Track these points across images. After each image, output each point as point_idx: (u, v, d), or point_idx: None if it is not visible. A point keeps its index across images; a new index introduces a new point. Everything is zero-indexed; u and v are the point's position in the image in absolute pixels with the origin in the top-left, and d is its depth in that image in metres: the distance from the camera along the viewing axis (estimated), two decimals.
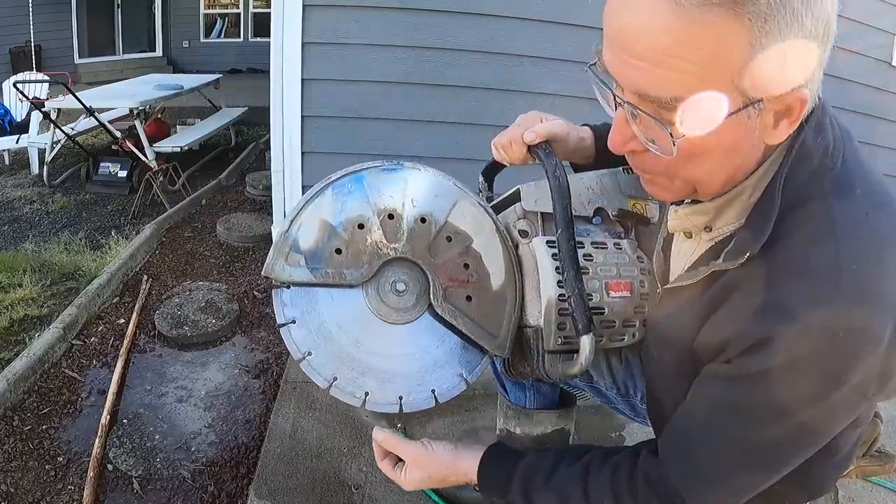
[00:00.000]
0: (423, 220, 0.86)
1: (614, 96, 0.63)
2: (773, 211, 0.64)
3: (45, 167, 4.32)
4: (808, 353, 0.60)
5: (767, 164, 0.66)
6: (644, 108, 0.60)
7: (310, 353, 0.84)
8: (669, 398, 0.79)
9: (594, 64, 0.64)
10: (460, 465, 0.88)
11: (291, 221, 0.84)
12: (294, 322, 0.84)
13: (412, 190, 0.87)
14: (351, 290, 0.86)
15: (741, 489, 0.72)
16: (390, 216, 0.85)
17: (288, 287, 0.84)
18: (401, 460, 0.92)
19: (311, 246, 0.83)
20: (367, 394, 0.87)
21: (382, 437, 0.90)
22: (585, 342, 0.78)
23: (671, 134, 0.59)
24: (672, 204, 0.79)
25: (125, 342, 2.27)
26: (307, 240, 0.83)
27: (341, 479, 1.56)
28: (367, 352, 0.87)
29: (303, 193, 2.66)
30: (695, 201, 0.74)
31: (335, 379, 0.85)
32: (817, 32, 0.55)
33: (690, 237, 0.78)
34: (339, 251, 0.84)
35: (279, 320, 0.84)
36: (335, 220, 0.84)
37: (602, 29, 0.61)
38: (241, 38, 10.14)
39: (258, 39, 9.67)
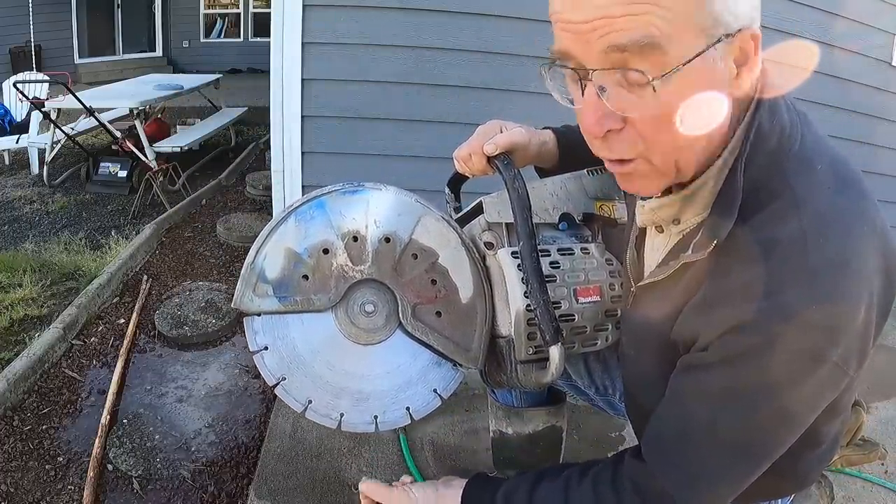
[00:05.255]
0: (387, 239, 0.86)
1: (581, 79, 0.62)
2: (736, 196, 0.65)
3: (45, 167, 4.32)
4: (785, 330, 0.60)
5: (727, 152, 0.66)
6: (617, 67, 0.59)
7: (283, 379, 0.86)
8: (651, 397, 0.78)
9: (552, 65, 0.65)
10: (443, 502, 0.86)
11: (256, 252, 0.84)
12: (266, 349, 0.85)
13: (374, 210, 0.87)
14: (321, 314, 0.86)
15: (733, 482, 0.71)
16: (354, 238, 0.86)
17: (259, 314, 0.85)
18: None
19: (277, 275, 0.84)
20: (342, 415, 0.88)
21: (366, 487, 0.89)
22: (554, 353, 0.79)
23: (650, 80, 0.58)
24: (639, 199, 0.78)
25: (125, 342, 2.27)
26: (273, 269, 0.84)
27: (341, 479, 1.56)
28: (340, 374, 0.87)
29: (303, 193, 2.66)
30: (664, 192, 0.73)
31: (310, 402, 0.86)
32: None
33: (662, 231, 0.78)
34: (305, 277, 0.85)
35: (251, 348, 0.85)
36: (300, 247, 0.84)
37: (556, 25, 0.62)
38: (241, 38, 10.15)
39: (258, 39, 9.68)
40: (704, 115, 0.61)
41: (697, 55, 0.57)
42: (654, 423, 0.77)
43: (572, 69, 0.63)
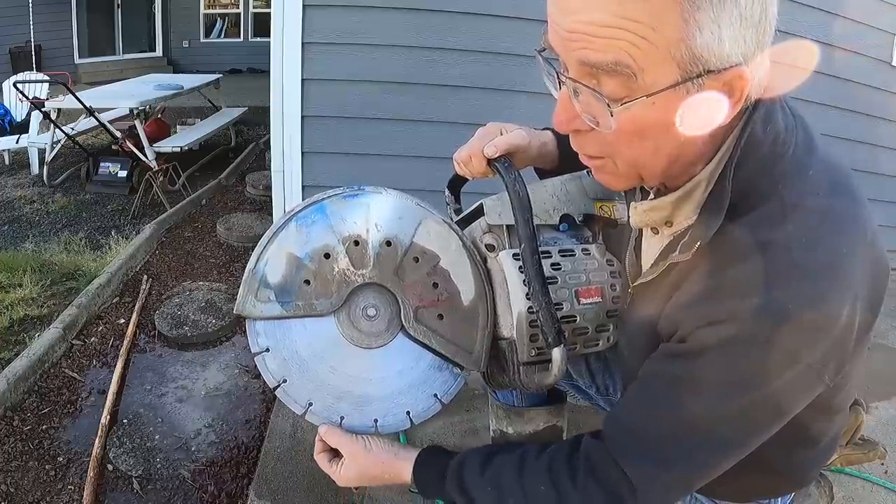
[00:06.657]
0: (388, 243, 0.86)
1: (558, 75, 0.63)
2: (723, 201, 0.65)
3: (45, 167, 4.32)
4: (762, 326, 0.61)
5: (718, 156, 0.67)
6: (585, 82, 0.60)
7: (284, 381, 0.85)
8: None
9: (543, 50, 0.65)
10: (396, 464, 0.87)
11: (258, 257, 0.84)
12: (268, 350, 0.85)
13: (375, 214, 0.87)
14: (323, 318, 0.86)
15: (692, 471, 0.70)
16: (356, 242, 0.85)
17: (261, 320, 0.85)
18: (338, 455, 0.90)
19: (279, 280, 0.84)
20: (342, 418, 0.87)
21: (325, 430, 0.88)
22: (556, 355, 0.79)
23: (608, 104, 0.59)
24: (632, 200, 0.79)
25: (125, 342, 2.27)
26: (275, 274, 0.84)
27: None
28: (341, 377, 0.87)
29: (303, 193, 2.65)
30: (657, 193, 0.74)
31: (310, 404, 0.86)
32: (753, 12, 0.56)
33: (657, 233, 0.78)
34: (307, 282, 0.84)
35: (253, 349, 0.85)
36: (301, 252, 0.84)
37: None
38: (241, 38, 10.15)
39: (258, 39, 9.68)
40: (671, 138, 0.62)
41: (665, 89, 0.57)
42: (620, 404, 0.77)
43: (551, 64, 0.64)
